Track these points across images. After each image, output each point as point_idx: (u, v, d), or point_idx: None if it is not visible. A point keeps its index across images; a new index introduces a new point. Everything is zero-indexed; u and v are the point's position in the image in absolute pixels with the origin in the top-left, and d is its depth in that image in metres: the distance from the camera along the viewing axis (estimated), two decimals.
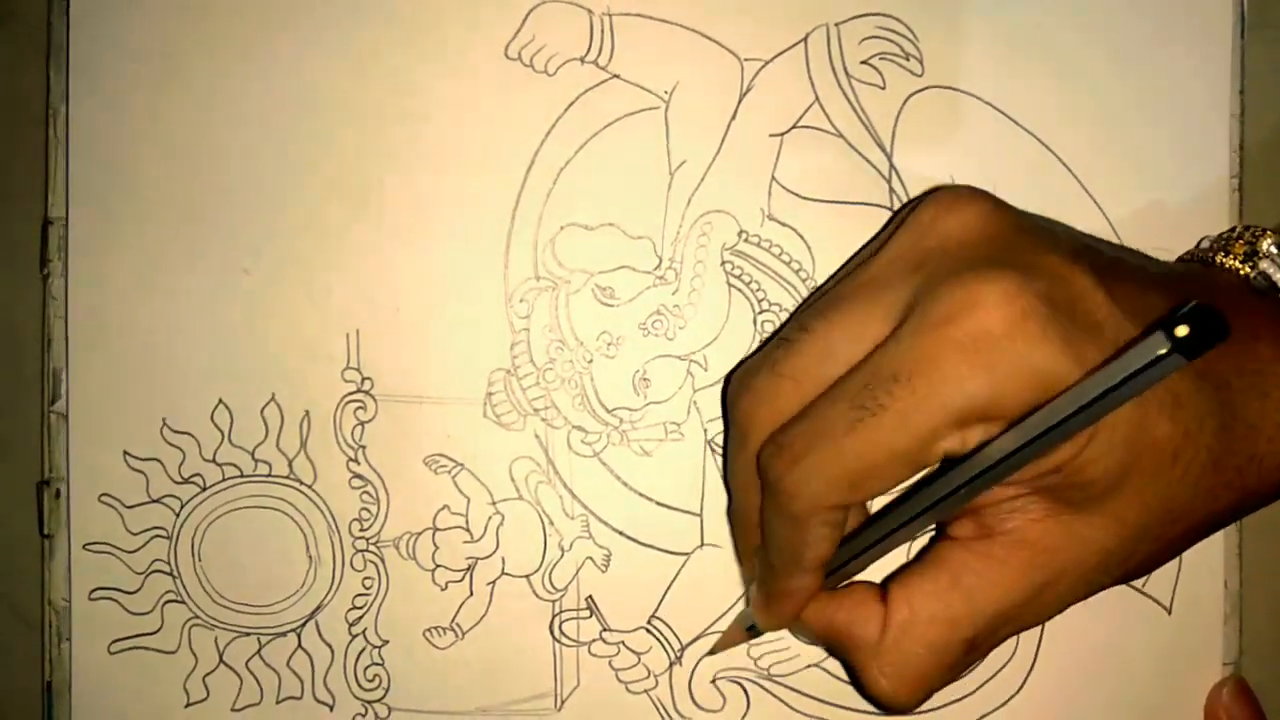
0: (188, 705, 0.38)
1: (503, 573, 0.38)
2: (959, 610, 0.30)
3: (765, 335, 0.38)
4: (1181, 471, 0.29)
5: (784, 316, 0.38)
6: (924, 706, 0.37)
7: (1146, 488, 0.29)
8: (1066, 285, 0.28)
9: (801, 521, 0.30)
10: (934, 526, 0.34)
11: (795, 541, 0.30)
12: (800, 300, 0.38)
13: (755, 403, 0.31)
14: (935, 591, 0.31)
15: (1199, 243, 0.35)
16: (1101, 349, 0.27)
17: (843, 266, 0.35)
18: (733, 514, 0.35)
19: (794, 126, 0.37)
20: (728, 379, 0.36)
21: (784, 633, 0.38)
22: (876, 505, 0.33)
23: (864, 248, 0.35)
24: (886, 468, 0.28)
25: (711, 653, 0.38)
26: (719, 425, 0.38)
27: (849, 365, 0.29)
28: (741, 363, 0.34)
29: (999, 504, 0.30)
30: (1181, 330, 0.24)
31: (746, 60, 0.37)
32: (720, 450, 0.38)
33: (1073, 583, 0.30)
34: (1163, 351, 0.24)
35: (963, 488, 0.28)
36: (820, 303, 0.31)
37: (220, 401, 0.38)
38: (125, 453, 0.38)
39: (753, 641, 0.38)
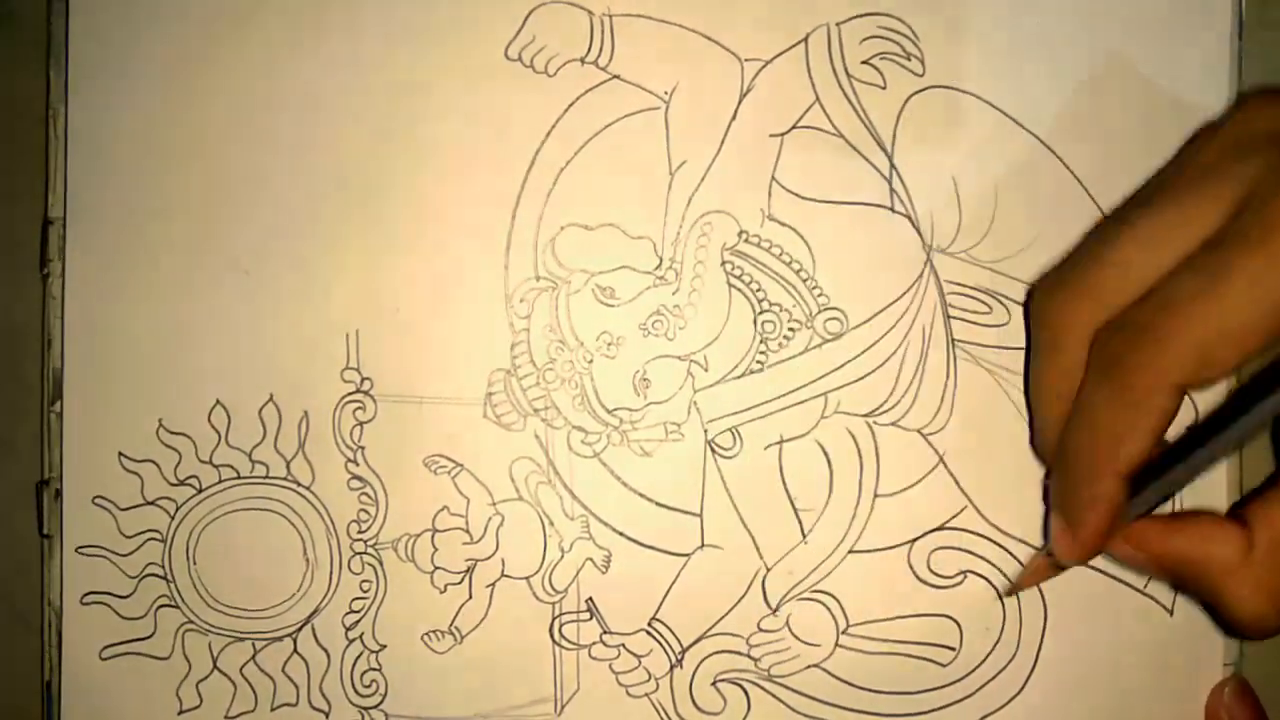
0: (181, 712, 0.37)
1: (502, 574, 0.37)
2: None
3: (765, 335, 0.38)
4: None
5: (784, 317, 0.38)
6: (925, 708, 0.38)
7: None
8: None
9: (1141, 403, 0.28)
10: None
11: (1122, 429, 0.29)
12: (799, 300, 0.37)
13: (1075, 300, 0.30)
14: None
15: None
16: None
17: (1128, 199, 0.33)
18: (1039, 437, 0.33)
19: (794, 126, 0.37)
20: (1029, 293, 0.35)
21: (783, 634, 0.37)
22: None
23: (1152, 177, 0.33)
24: (1238, 336, 0.27)
25: (1010, 593, 0.36)
26: (719, 425, 0.37)
27: (1177, 254, 0.28)
28: (1043, 275, 0.32)
29: None
30: None
31: (747, 60, 0.37)
32: (723, 452, 0.37)
33: None
34: None
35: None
36: (1138, 195, 0.30)
37: (217, 402, 0.37)
38: (120, 454, 0.37)
39: (753, 644, 0.37)
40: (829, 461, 0.38)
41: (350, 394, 0.37)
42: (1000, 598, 0.37)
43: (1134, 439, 0.29)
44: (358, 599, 0.37)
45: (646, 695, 0.37)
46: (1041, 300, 0.31)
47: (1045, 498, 0.35)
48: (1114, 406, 0.29)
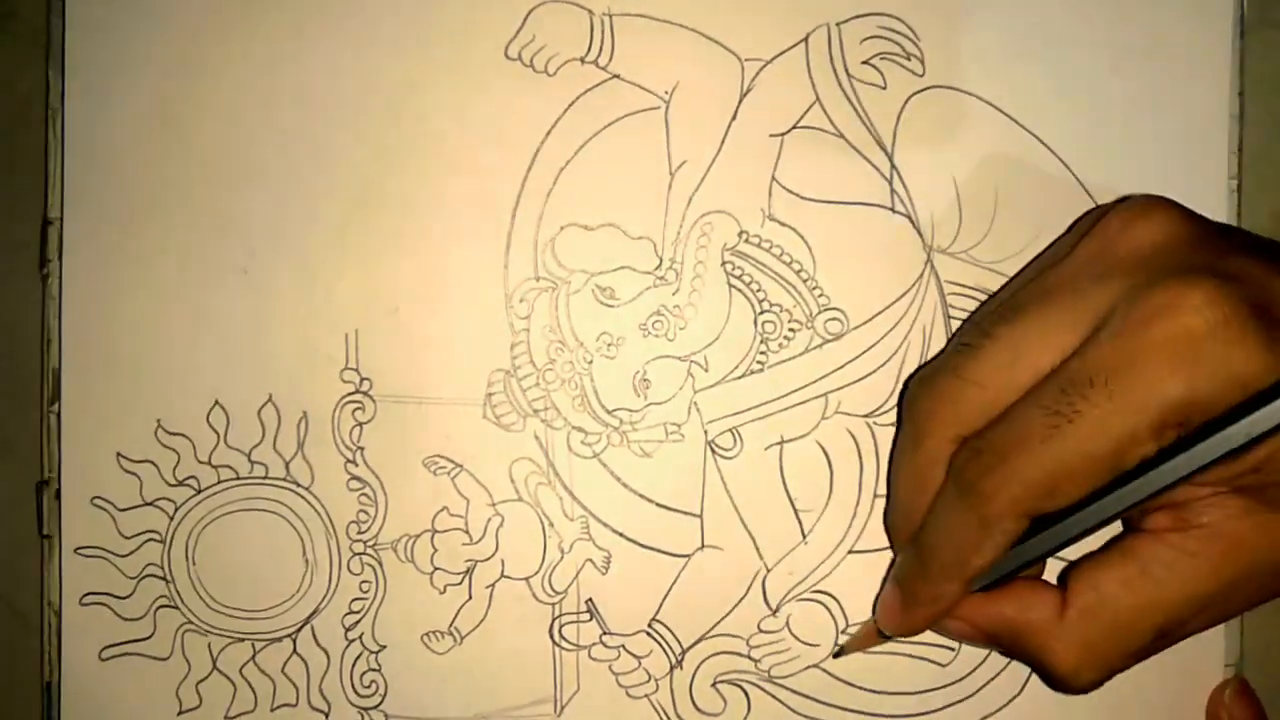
0: (180, 713, 0.37)
1: (502, 575, 0.37)
2: (1148, 597, 0.31)
3: (766, 335, 0.37)
4: None
5: (785, 317, 0.37)
6: (925, 708, 0.37)
7: None
8: (1264, 288, 0.28)
9: (989, 526, 0.30)
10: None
11: (968, 546, 0.30)
12: (800, 300, 0.37)
13: (937, 405, 0.31)
14: (1124, 579, 0.31)
15: None
16: None
17: (1018, 275, 0.36)
18: (892, 516, 0.34)
19: (795, 127, 0.37)
20: (906, 383, 0.36)
21: (783, 635, 0.37)
22: None
23: (1040, 256, 0.35)
24: (1083, 473, 0.28)
25: (838, 654, 0.37)
26: (720, 426, 0.37)
27: (1035, 372, 0.29)
28: (919, 369, 0.34)
29: (1195, 500, 0.30)
30: None
31: (747, 60, 0.37)
32: (723, 453, 0.37)
33: (1268, 580, 0.31)
34: None
35: (1153, 493, 0.29)
36: (1003, 308, 0.31)
37: (216, 403, 0.37)
38: (118, 454, 0.37)
39: (754, 645, 0.37)
40: (829, 462, 0.37)
41: (350, 394, 0.37)
42: (834, 655, 0.37)
43: (981, 555, 0.31)
44: (357, 600, 0.37)
45: (646, 696, 0.37)
46: (911, 398, 0.32)
47: (890, 566, 0.36)
48: (965, 525, 0.30)
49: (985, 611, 0.33)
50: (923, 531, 0.32)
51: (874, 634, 0.35)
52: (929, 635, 0.37)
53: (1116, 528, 0.32)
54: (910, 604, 0.33)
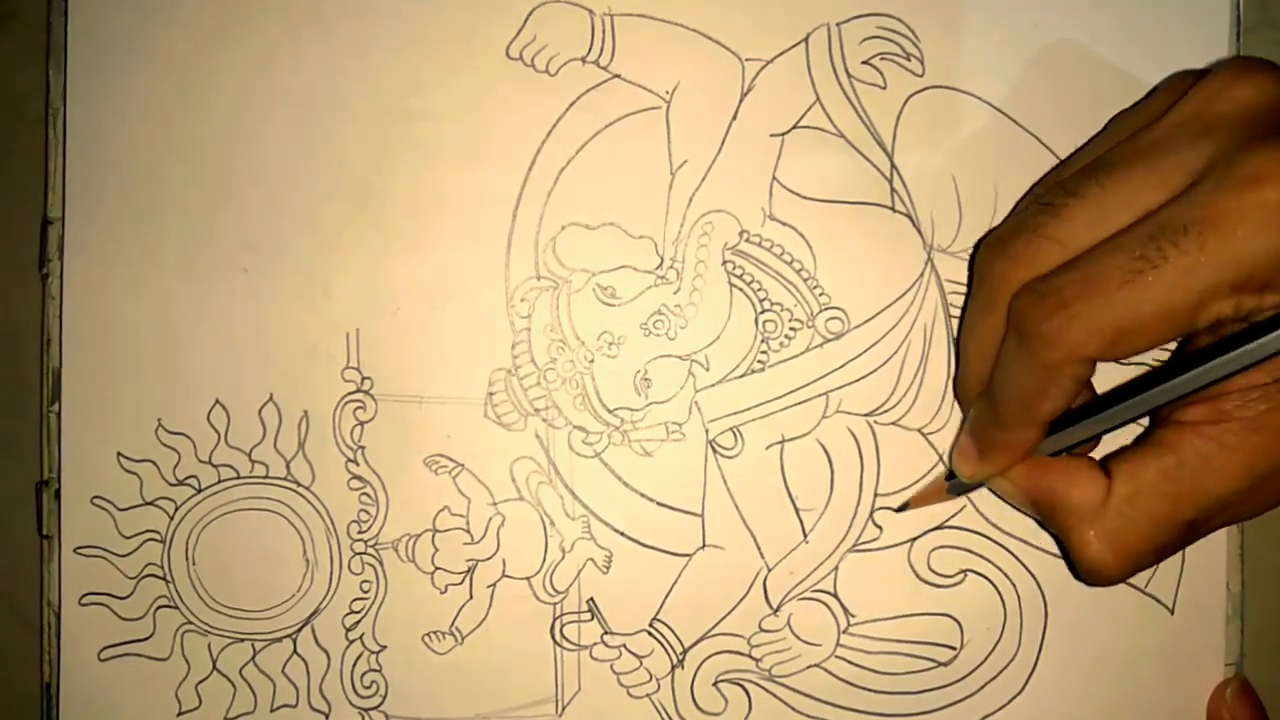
0: (180, 714, 0.37)
1: (503, 574, 0.37)
2: (1184, 488, 0.30)
3: (766, 335, 0.37)
4: None
5: (785, 316, 0.37)
6: (925, 707, 0.37)
7: None
8: None
9: (1051, 370, 0.29)
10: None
11: (1035, 391, 0.30)
12: (801, 300, 0.37)
13: (1013, 265, 0.30)
14: (1162, 469, 0.30)
15: None
16: None
17: (1100, 134, 0.34)
18: (962, 381, 0.33)
19: (795, 126, 0.37)
20: (978, 244, 0.34)
21: (784, 634, 0.37)
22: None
23: (1124, 115, 0.33)
24: (1155, 324, 0.28)
25: (902, 508, 0.37)
26: (721, 425, 0.37)
27: (1116, 231, 0.28)
28: (993, 230, 0.32)
29: (1241, 390, 0.30)
30: None
31: (747, 60, 0.37)
32: (724, 452, 0.37)
33: None
34: None
35: (1215, 362, 0.28)
36: (1091, 167, 0.30)
37: (217, 402, 0.37)
38: (119, 454, 0.37)
39: (755, 645, 0.37)
40: (830, 461, 0.37)
41: (350, 393, 0.37)
42: (898, 510, 0.37)
43: (1048, 401, 0.30)
44: (358, 599, 0.37)
45: (648, 696, 0.37)
46: (984, 259, 0.31)
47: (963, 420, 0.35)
48: (1029, 371, 0.30)
49: (1034, 478, 0.32)
50: (992, 381, 0.31)
51: (941, 490, 0.35)
52: (930, 634, 0.37)
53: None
54: (986, 451, 0.32)
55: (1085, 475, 0.31)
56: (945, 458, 0.37)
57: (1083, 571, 0.32)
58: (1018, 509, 0.34)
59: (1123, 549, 0.31)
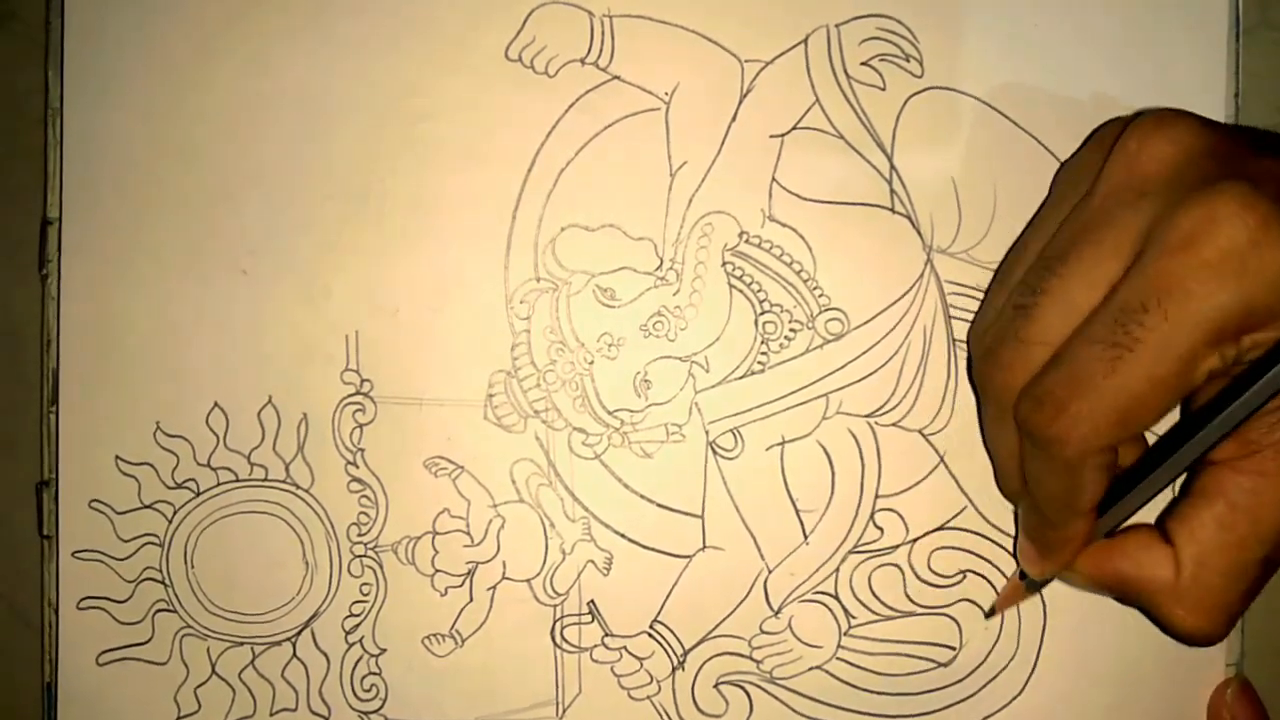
0: (179, 718, 0.36)
1: (503, 577, 0.36)
2: (1245, 532, 0.30)
3: (766, 336, 0.37)
4: None
5: (785, 317, 0.37)
6: (926, 708, 0.37)
7: None
8: None
9: (1073, 468, 0.29)
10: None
11: (1068, 489, 0.30)
12: (800, 301, 0.36)
13: (1010, 376, 0.30)
14: (1216, 518, 0.30)
15: None
16: None
17: (1043, 208, 0.34)
18: (1000, 480, 0.34)
19: (794, 127, 0.37)
20: (970, 355, 0.34)
21: (785, 635, 0.36)
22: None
23: (1060, 177, 0.34)
24: (1152, 398, 0.28)
25: (990, 614, 0.37)
26: (720, 427, 0.36)
27: (1089, 313, 0.29)
28: (976, 328, 0.33)
29: (1260, 419, 0.30)
30: None
31: (747, 61, 0.37)
32: (724, 453, 0.36)
33: None
34: None
35: (1238, 403, 0.28)
36: (1046, 258, 0.30)
37: (216, 404, 0.36)
38: (117, 457, 0.36)
39: (755, 646, 0.36)
40: (830, 462, 0.37)
41: (350, 396, 0.36)
42: (987, 615, 0.37)
43: (1083, 494, 0.30)
44: (357, 602, 0.36)
45: (648, 698, 0.36)
46: (981, 375, 0.32)
47: (1015, 521, 0.35)
48: (1054, 473, 0.30)
49: (1104, 567, 0.32)
50: (1027, 484, 0.31)
51: (1020, 588, 0.35)
52: (930, 635, 0.37)
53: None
54: (1045, 551, 0.33)
55: (1150, 551, 0.31)
56: (1013, 555, 0.37)
57: (1187, 641, 0.32)
58: (1098, 593, 0.33)
59: (1212, 611, 0.31)
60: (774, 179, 0.37)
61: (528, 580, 0.36)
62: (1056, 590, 0.36)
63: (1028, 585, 0.35)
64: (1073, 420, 0.28)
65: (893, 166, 0.37)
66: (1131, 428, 0.28)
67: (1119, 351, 0.28)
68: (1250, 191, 0.27)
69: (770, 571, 0.36)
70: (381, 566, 0.36)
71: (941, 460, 0.37)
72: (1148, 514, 0.32)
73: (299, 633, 0.36)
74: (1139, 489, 0.31)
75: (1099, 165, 0.31)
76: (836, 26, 0.37)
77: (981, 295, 0.36)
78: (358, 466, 0.36)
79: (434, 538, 0.36)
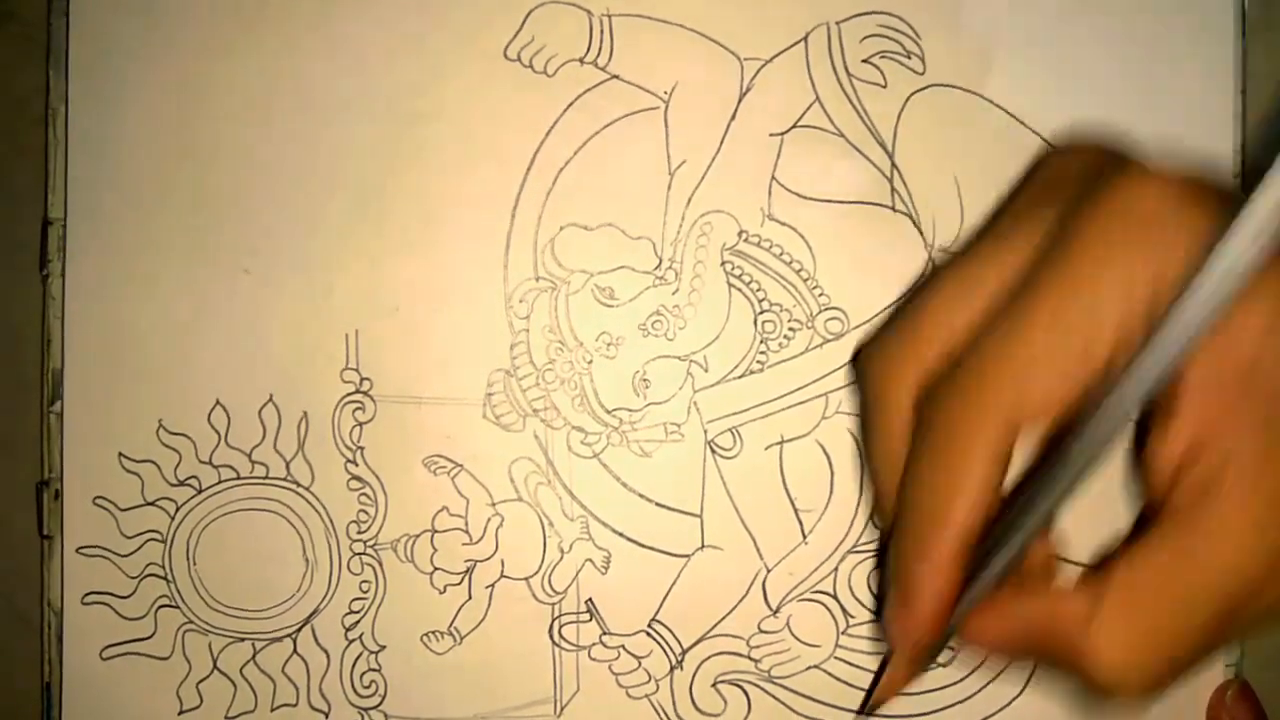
0: (181, 713, 0.36)
1: (502, 575, 0.36)
2: (1203, 557, 0.25)
3: (766, 335, 0.36)
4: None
5: (785, 316, 0.36)
6: (924, 708, 0.36)
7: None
8: (1188, 178, 0.27)
9: (960, 463, 0.26)
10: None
11: (946, 493, 0.26)
12: (800, 300, 0.36)
13: (898, 359, 0.29)
14: (1161, 536, 0.26)
15: None
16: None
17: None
18: (878, 514, 0.31)
19: (794, 126, 0.36)
20: (855, 355, 0.33)
21: (784, 635, 0.36)
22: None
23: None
24: (1046, 389, 0.25)
25: (868, 712, 0.34)
26: (719, 426, 0.36)
27: (993, 299, 0.27)
28: (868, 337, 0.32)
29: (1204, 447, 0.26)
30: None
31: (746, 60, 0.36)
32: (723, 453, 0.36)
33: None
34: None
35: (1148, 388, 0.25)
36: (953, 255, 0.30)
37: (217, 402, 0.36)
38: (120, 454, 0.36)
39: (754, 646, 0.36)
40: (830, 462, 0.36)
41: (350, 394, 0.36)
42: (858, 713, 0.35)
43: (962, 501, 0.26)
44: (357, 599, 0.36)
45: (647, 696, 0.36)
46: (867, 362, 0.30)
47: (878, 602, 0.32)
48: (936, 470, 0.27)
49: (1006, 613, 0.27)
50: (898, 504, 0.28)
51: (901, 672, 0.31)
52: None
53: None
54: (907, 596, 0.28)
55: (1064, 586, 0.27)
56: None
57: (1106, 686, 0.26)
58: (1011, 661, 0.30)
59: (1140, 644, 0.25)
60: (774, 178, 0.36)
61: (526, 578, 0.36)
62: None
63: (911, 661, 0.30)
64: (967, 408, 0.26)
65: (894, 165, 0.36)
66: (1027, 422, 0.26)
67: (1012, 340, 0.26)
68: (1150, 170, 0.27)
69: (769, 571, 0.36)
70: (381, 564, 0.36)
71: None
72: None
73: (299, 629, 0.36)
74: (1021, 528, 0.27)
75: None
76: (837, 24, 0.36)
77: None
78: (357, 464, 0.36)
79: (433, 535, 0.36)
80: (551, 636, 0.36)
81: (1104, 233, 0.26)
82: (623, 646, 0.36)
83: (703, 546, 0.36)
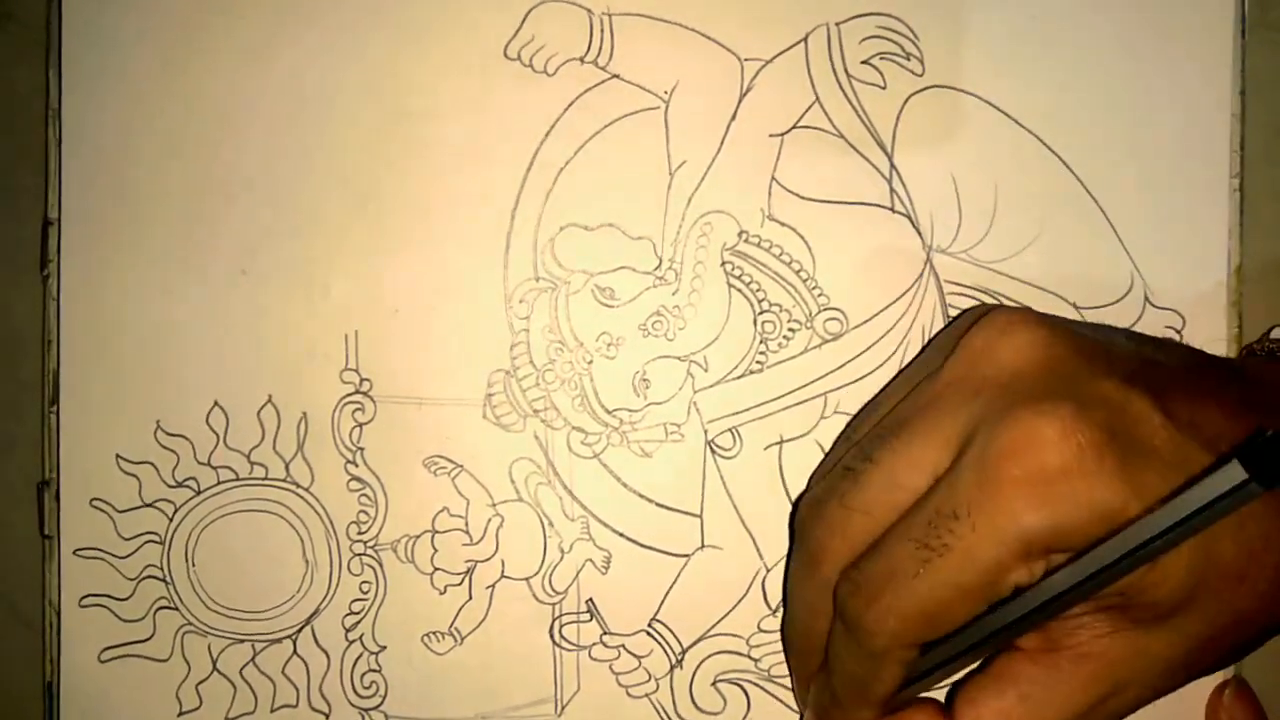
0: (180, 715, 0.36)
1: (502, 575, 0.36)
2: None
3: (765, 335, 0.36)
4: (1249, 588, 0.28)
5: (784, 317, 0.36)
6: None
7: (1211, 605, 0.28)
8: (1123, 412, 0.27)
9: (878, 658, 0.29)
10: None
11: (867, 676, 0.30)
12: (799, 300, 0.36)
13: (827, 533, 0.30)
14: (1003, 709, 0.30)
15: (1269, 331, 0.35)
16: (1162, 475, 0.27)
17: (899, 374, 0.35)
18: (791, 635, 0.33)
19: (794, 126, 0.36)
20: (795, 504, 0.34)
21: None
22: None
23: (918, 356, 0.35)
24: (958, 604, 0.28)
25: None
26: (719, 426, 0.36)
27: (915, 494, 0.29)
28: (810, 488, 0.33)
29: (1064, 619, 0.29)
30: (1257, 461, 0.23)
31: (746, 60, 0.36)
32: (723, 452, 0.36)
33: (1138, 692, 0.30)
34: (1238, 483, 0.23)
35: (1027, 618, 0.28)
36: (881, 428, 0.30)
37: (216, 403, 0.36)
38: (118, 456, 0.36)
39: (754, 645, 0.36)
40: None
41: (349, 395, 0.36)
42: None
43: (881, 684, 0.30)
44: (357, 600, 0.36)
45: (647, 696, 0.36)
46: (802, 525, 0.31)
47: (800, 685, 0.34)
48: (858, 659, 0.29)
49: None
50: (827, 662, 0.31)
51: None
52: None
53: None
54: None
55: None
56: None
57: None
58: None
59: None
60: (773, 178, 0.36)
61: (526, 579, 0.36)
62: None
63: None
64: (883, 613, 0.28)
65: (893, 165, 0.36)
66: (938, 629, 0.28)
67: (928, 555, 0.27)
68: (1074, 414, 0.27)
69: (769, 570, 0.36)
70: (381, 565, 0.36)
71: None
72: None
73: (299, 630, 0.36)
74: (929, 678, 0.30)
75: (952, 348, 0.30)
76: (837, 25, 0.36)
77: (981, 295, 0.36)
78: (357, 465, 0.36)
79: (433, 536, 0.36)
80: (552, 636, 0.36)
81: (1009, 486, 0.27)
82: (623, 646, 0.36)
83: (702, 546, 0.36)
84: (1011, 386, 0.28)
